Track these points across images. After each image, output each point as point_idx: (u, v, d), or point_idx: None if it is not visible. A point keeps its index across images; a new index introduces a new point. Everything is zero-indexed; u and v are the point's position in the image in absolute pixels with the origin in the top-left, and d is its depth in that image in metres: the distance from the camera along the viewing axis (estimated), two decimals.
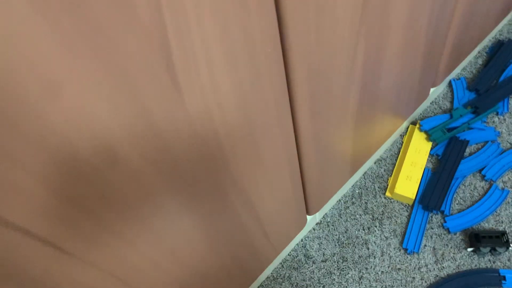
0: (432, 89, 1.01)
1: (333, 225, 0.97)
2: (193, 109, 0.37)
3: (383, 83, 0.70)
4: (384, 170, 1.02)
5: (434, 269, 0.88)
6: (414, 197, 0.94)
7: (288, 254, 0.94)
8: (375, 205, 0.98)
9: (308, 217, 0.89)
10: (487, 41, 1.18)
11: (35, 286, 0.35)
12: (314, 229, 0.97)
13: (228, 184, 0.52)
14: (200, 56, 0.34)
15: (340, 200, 1.00)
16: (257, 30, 0.38)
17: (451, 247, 0.90)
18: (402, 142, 1.05)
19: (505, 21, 1.21)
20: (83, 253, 0.38)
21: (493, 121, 1.05)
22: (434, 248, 0.90)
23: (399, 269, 0.89)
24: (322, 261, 0.92)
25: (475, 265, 0.87)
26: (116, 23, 0.26)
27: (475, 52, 1.16)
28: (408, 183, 0.96)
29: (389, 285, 0.88)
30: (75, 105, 0.28)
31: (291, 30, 0.42)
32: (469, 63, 1.15)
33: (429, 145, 1.01)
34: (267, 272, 0.91)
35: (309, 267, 0.92)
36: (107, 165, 0.34)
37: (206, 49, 0.34)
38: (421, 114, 1.09)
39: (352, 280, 0.89)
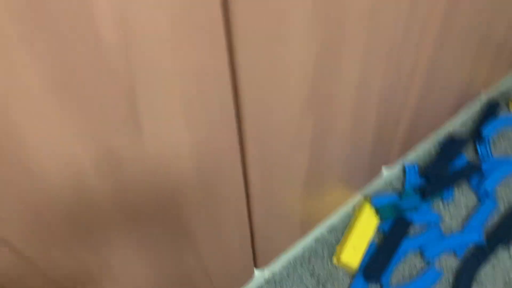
0: (385, 168, 1.12)
1: (280, 285, 1.02)
2: (152, 153, 0.45)
3: (332, 156, 0.80)
4: (335, 239, 1.10)
5: None
6: (357, 267, 1.01)
7: None
8: (321, 270, 1.04)
9: (257, 272, 0.95)
10: (440, 132, 1.31)
11: None
12: (262, 286, 1.02)
13: (178, 229, 0.59)
14: (162, 107, 0.43)
15: (290, 261, 1.06)
16: (216, 102, 0.47)
17: None
18: (354, 214, 1.13)
19: (457, 116, 1.34)
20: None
21: (438, 207, 1.15)
22: None
23: None
24: None
25: None
26: (89, 69, 0.35)
27: (429, 141, 1.27)
28: (353, 253, 1.03)
29: None
30: (50, 141, 0.36)
31: (246, 103, 0.52)
32: (423, 150, 1.27)
33: (377, 220, 1.10)
34: None
35: None
36: (76, 200, 0.42)
37: (168, 102, 0.43)
38: (374, 190, 1.18)
39: None
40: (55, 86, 0.34)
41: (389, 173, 1.19)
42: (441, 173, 1.21)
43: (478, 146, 1.27)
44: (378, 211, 1.11)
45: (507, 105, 1.40)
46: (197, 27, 0.39)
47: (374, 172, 1.07)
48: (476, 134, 1.30)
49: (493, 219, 1.12)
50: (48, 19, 0.30)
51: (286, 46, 0.49)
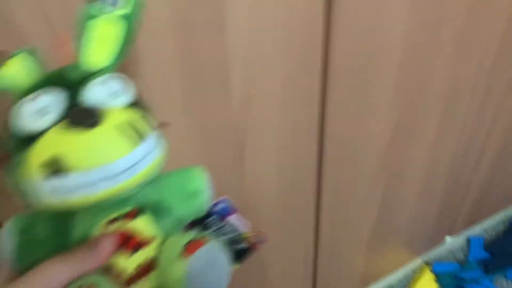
0: (449, 237, 1.14)
1: None
2: (246, 185, 0.55)
3: (398, 217, 0.85)
4: None
5: None
6: None
7: None
8: None
9: None
10: (509, 209, 1.30)
11: None
12: None
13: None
14: (262, 150, 0.52)
15: None
16: (303, 153, 0.56)
17: None
18: (414, 278, 1.15)
19: None
20: None
21: (501, 283, 1.14)
22: None
23: None
24: None
25: None
26: (219, 118, 0.45)
27: (497, 217, 1.28)
28: None
29: None
30: None
31: (330, 157, 0.60)
32: (490, 225, 1.27)
33: (436, 287, 1.11)
34: None
35: None
36: None
37: (267, 147, 0.52)
38: (436, 256, 1.20)
39: None
40: (193, 129, 0.44)
41: (452, 242, 1.21)
42: (507, 250, 1.20)
43: None
44: (438, 278, 1.12)
45: None
46: (299, 97, 0.49)
47: (438, 239, 1.09)
48: None
49: None
50: (199, 79, 0.41)
51: (371, 115, 0.58)
